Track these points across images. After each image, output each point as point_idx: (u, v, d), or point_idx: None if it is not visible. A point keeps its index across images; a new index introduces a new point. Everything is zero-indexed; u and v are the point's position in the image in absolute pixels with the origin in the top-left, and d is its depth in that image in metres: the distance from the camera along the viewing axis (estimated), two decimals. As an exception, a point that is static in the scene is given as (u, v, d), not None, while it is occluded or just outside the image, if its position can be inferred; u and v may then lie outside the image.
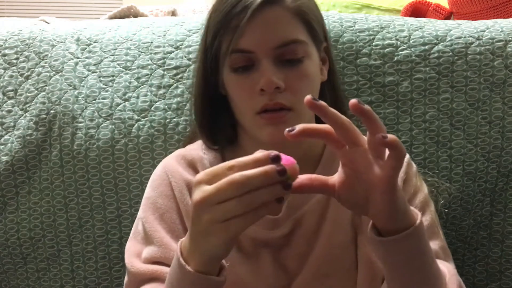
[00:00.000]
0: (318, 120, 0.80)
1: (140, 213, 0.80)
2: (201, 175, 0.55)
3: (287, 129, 0.53)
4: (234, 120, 0.80)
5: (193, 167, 0.81)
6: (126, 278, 0.77)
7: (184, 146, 0.87)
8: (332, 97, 0.83)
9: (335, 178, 0.58)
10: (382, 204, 0.55)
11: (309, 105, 0.52)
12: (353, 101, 0.51)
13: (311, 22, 0.75)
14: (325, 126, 0.54)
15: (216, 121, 0.81)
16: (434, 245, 0.74)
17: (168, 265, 0.73)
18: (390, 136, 0.52)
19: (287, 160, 0.54)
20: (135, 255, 0.77)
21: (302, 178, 0.57)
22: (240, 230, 0.54)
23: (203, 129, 0.82)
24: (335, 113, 0.53)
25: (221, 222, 0.53)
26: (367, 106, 0.52)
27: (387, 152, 0.54)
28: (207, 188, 0.53)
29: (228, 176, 0.52)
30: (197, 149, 0.83)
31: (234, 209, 0.52)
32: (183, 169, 0.80)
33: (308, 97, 0.52)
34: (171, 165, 0.81)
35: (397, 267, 0.60)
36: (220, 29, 0.73)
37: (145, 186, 0.83)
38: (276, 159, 0.52)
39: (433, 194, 0.85)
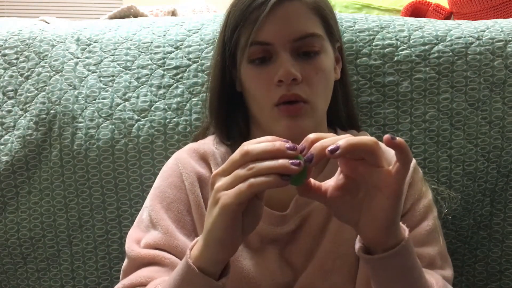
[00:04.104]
0: (329, 114, 0.81)
1: (147, 202, 0.81)
2: None
3: (328, 149, 0.52)
4: (247, 116, 0.81)
5: (205, 160, 0.82)
6: (124, 263, 0.77)
7: (195, 141, 0.88)
8: (344, 96, 0.86)
9: (329, 184, 0.59)
10: (384, 211, 0.55)
11: (388, 143, 0.53)
12: (386, 136, 0.52)
13: (328, 18, 0.77)
14: (369, 140, 0.54)
15: (230, 116, 0.82)
16: (433, 251, 0.75)
17: (170, 253, 0.74)
18: (399, 139, 0.53)
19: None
20: (136, 242, 0.77)
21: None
22: (239, 198, 0.54)
23: (218, 123, 0.83)
24: (408, 149, 0.54)
25: (227, 189, 0.55)
26: (398, 139, 0.53)
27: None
28: (225, 163, 0.57)
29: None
30: (208, 143, 0.84)
31: (239, 174, 0.54)
32: (195, 162, 0.81)
33: (387, 136, 0.52)
34: (183, 157, 0.82)
35: (383, 283, 0.61)
36: (239, 23, 0.75)
37: (145, 186, 0.83)
38: (291, 148, 0.54)
39: (439, 205, 0.85)
